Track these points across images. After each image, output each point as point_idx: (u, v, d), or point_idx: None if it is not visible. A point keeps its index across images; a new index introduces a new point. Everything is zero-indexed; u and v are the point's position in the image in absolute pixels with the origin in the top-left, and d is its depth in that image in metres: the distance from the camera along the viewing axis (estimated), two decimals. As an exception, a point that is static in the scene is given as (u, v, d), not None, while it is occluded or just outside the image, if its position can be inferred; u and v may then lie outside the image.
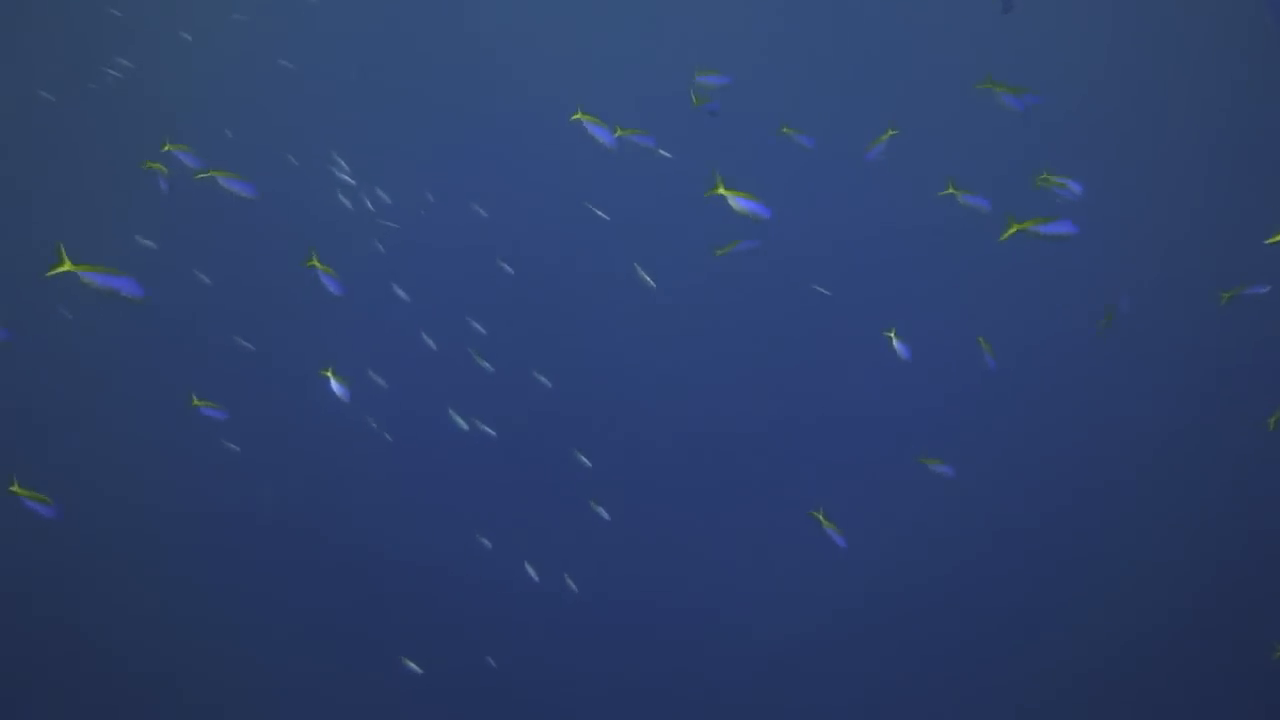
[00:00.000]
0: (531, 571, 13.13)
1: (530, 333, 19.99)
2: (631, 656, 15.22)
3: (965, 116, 24.07)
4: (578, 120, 9.50)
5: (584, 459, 13.66)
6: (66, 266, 7.33)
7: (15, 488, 7.90)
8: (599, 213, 14.78)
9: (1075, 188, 9.82)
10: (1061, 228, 7.23)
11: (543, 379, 14.67)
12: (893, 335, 10.78)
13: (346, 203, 18.68)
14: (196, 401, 10.96)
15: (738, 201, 8.32)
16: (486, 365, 13.97)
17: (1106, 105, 22.69)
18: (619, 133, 9.90)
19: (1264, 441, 18.03)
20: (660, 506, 17.10)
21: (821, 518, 10.22)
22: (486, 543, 15.18)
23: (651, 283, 15.83)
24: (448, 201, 21.12)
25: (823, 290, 18.26)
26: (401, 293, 15.90)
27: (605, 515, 12.71)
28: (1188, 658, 15.30)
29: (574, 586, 14.22)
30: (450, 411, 14.34)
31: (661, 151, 17.27)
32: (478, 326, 18.36)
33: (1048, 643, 16.07)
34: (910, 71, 25.23)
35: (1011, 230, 7.45)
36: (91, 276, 7.47)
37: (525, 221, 22.23)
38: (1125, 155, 21.81)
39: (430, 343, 17.61)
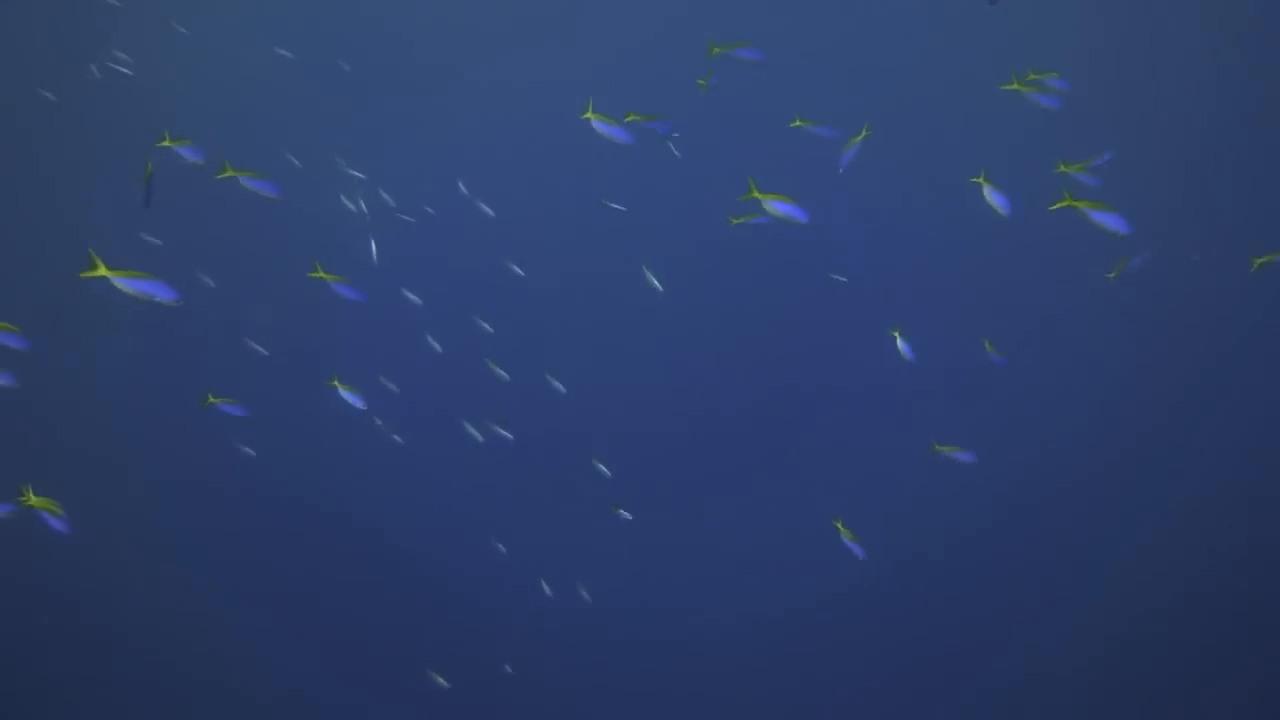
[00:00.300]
0: (546, 587, 13.03)
1: (540, 333, 19.88)
2: (649, 663, 15.17)
3: (957, 109, 24.12)
4: (587, 119, 9.35)
5: (603, 468, 13.54)
6: (101, 271, 7.17)
7: (30, 498, 7.74)
8: (616, 206, 14.62)
9: (1106, 157, 9.72)
10: (1115, 222, 7.11)
11: (556, 384, 14.54)
12: (897, 335, 10.65)
13: (349, 204, 18.52)
14: (211, 399, 10.80)
15: (773, 205, 8.25)
16: (503, 374, 13.83)
17: (1102, 90, 22.69)
18: (631, 118, 9.74)
19: (1262, 429, 18.07)
20: (673, 509, 17.02)
21: (841, 526, 10.14)
22: (501, 547, 15.08)
23: (659, 286, 15.72)
24: (454, 199, 20.94)
25: (840, 278, 18.14)
26: (412, 296, 15.77)
27: (627, 516, 12.62)
28: (1186, 644, 15.34)
29: (587, 596, 14.10)
30: (464, 423, 14.23)
31: (672, 146, 17.17)
32: (485, 326, 18.24)
33: (1046, 632, 16.12)
34: (897, 65, 25.26)
35: (1064, 203, 7.22)
36: (125, 282, 7.32)
37: (533, 219, 22.10)
38: (1125, 142, 21.67)
39: (436, 345, 17.47)
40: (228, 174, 9.14)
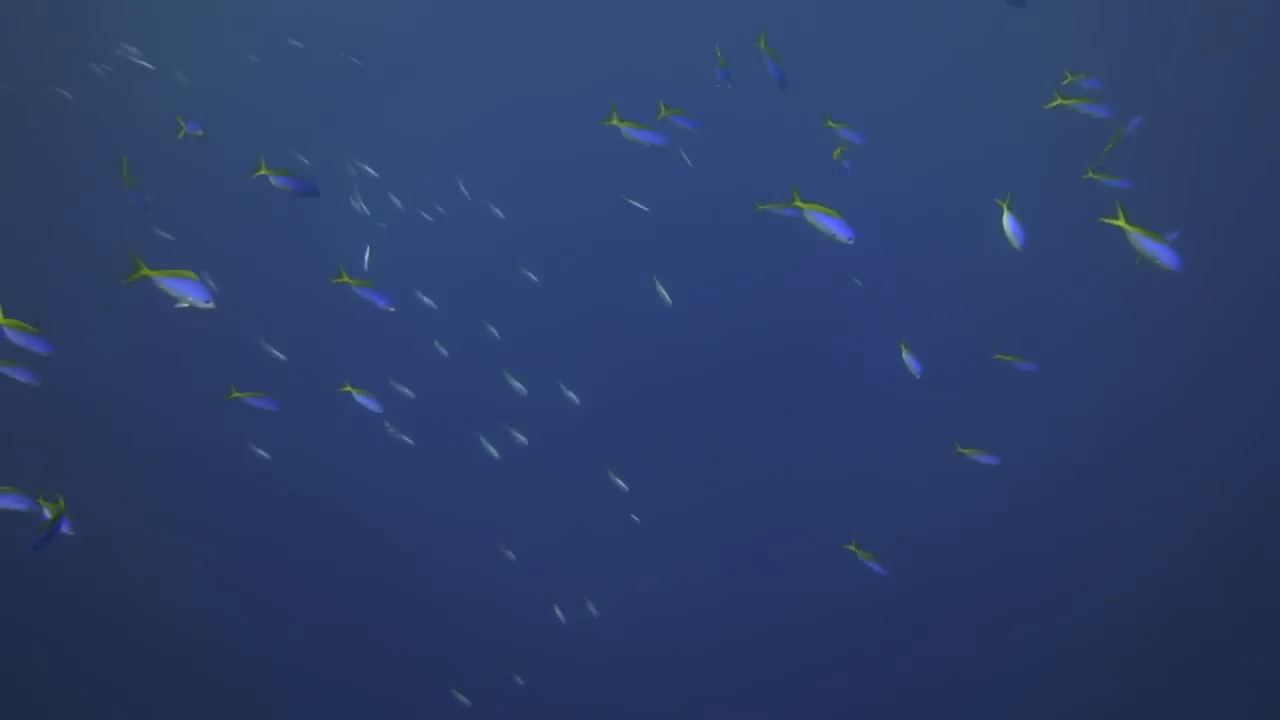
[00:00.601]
0: (560, 614, 12.92)
1: (548, 334, 19.78)
2: (661, 677, 15.08)
3: (978, 114, 24.11)
4: (612, 126, 9.14)
5: (619, 481, 13.43)
6: (143, 273, 7.13)
7: (41, 501, 7.68)
8: (639, 205, 14.48)
9: (1136, 122, 9.47)
10: (1166, 255, 6.55)
11: (571, 394, 14.40)
12: (903, 349, 10.56)
13: (357, 205, 18.36)
14: (235, 393, 10.66)
15: (817, 218, 8.08)
16: (520, 386, 13.71)
17: (1128, 94, 22.56)
18: (662, 114, 9.48)
19: (1265, 431, 18.07)
20: (684, 514, 16.93)
21: (855, 548, 10.10)
22: (510, 554, 14.97)
23: (668, 299, 15.64)
24: (463, 201, 20.81)
25: (857, 281, 18.10)
26: (427, 300, 15.64)
27: (638, 520, 12.57)
28: (1192, 646, 15.33)
29: (594, 611, 13.98)
30: (481, 439, 14.12)
31: (684, 155, 17.10)
32: (493, 331, 18.11)
33: (1048, 633, 16.11)
34: (913, 67, 25.25)
35: (1115, 222, 6.72)
36: (164, 281, 7.28)
37: (545, 223, 21.98)
38: (1147, 146, 21.58)
39: (442, 350, 17.34)
40: (260, 172, 8.91)
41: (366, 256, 14.85)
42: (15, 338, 7.16)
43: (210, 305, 7.39)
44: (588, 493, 16.38)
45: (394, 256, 20.03)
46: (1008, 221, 8.82)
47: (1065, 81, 10.57)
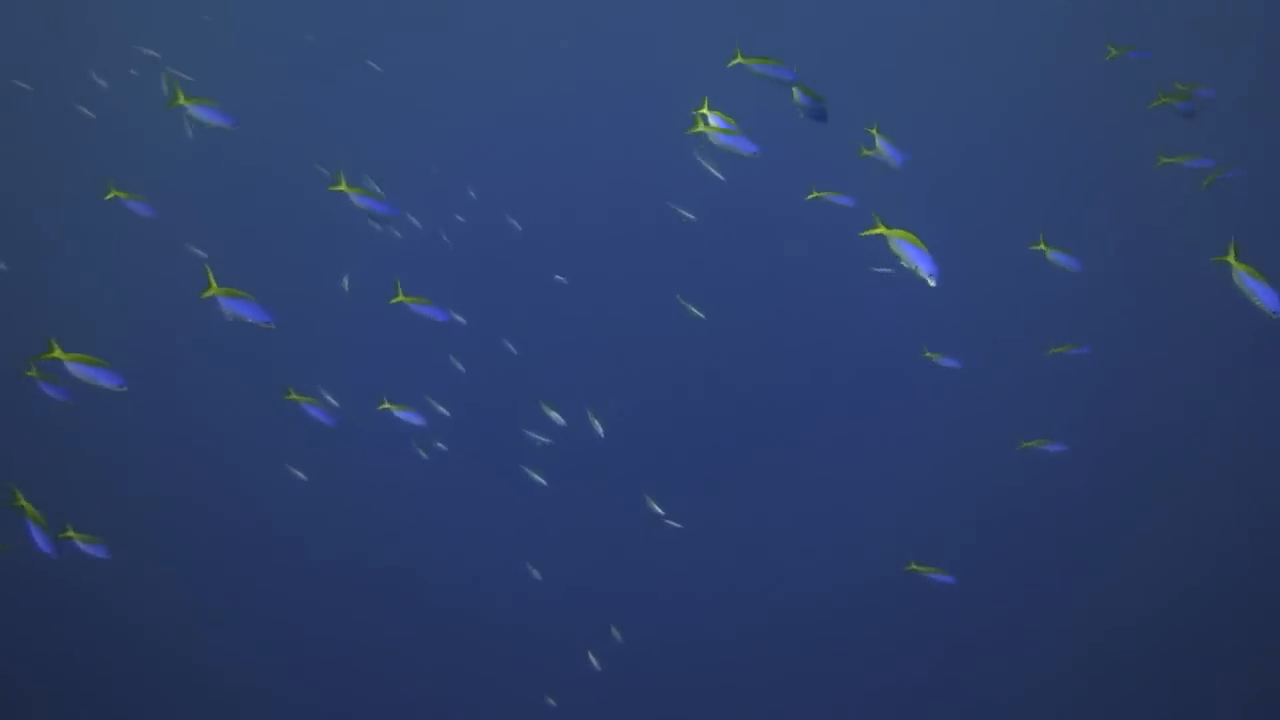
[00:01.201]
0: (594, 661, 12.72)
1: (573, 352, 19.57)
2: (689, 694, 14.88)
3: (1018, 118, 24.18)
4: (698, 133, 8.84)
5: (656, 506, 13.21)
6: (213, 290, 7.05)
7: (70, 532, 7.72)
8: (685, 214, 14.25)
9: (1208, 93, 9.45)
10: (1269, 299, 6.11)
11: (596, 423, 14.10)
12: (931, 355, 10.60)
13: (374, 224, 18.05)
14: (293, 395, 10.42)
15: (901, 246, 7.76)
16: (558, 417, 13.46)
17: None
18: (701, 111, 9.20)
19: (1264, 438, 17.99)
20: (712, 541, 16.71)
21: (918, 566, 10.02)
22: (536, 573, 14.71)
23: (699, 314, 15.44)
24: (481, 212, 20.53)
25: (879, 270, 18.08)
26: (459, 317, 15.34)
27: (678, 526, 12.41)
28: (1192, 648, 15.21)
29: (618, 636, 13.75)
30: (526, 469, 13.91)
31: (713, 170, 16.85)
32: (510, 347, 17.84)
33: (1047, 636, 15.95)
34: (942, 69, 25.32)
35: (1226, 259, 6.28)
36: (229, 302, 7.20)
37: (565, 234, 21.77)
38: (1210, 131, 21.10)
39: (459, 366, 17.13)
40: (340, 188, 8.81)
41: (345, 282, 14.61)
42: (82, 372, 6.90)
43: (271, 325, 7.34)
44: (617, 503, 16.09)
45: (405, 267, 19.63)
46: (1054, 256, 8.71)
47: (1109, 56, 10.57)
